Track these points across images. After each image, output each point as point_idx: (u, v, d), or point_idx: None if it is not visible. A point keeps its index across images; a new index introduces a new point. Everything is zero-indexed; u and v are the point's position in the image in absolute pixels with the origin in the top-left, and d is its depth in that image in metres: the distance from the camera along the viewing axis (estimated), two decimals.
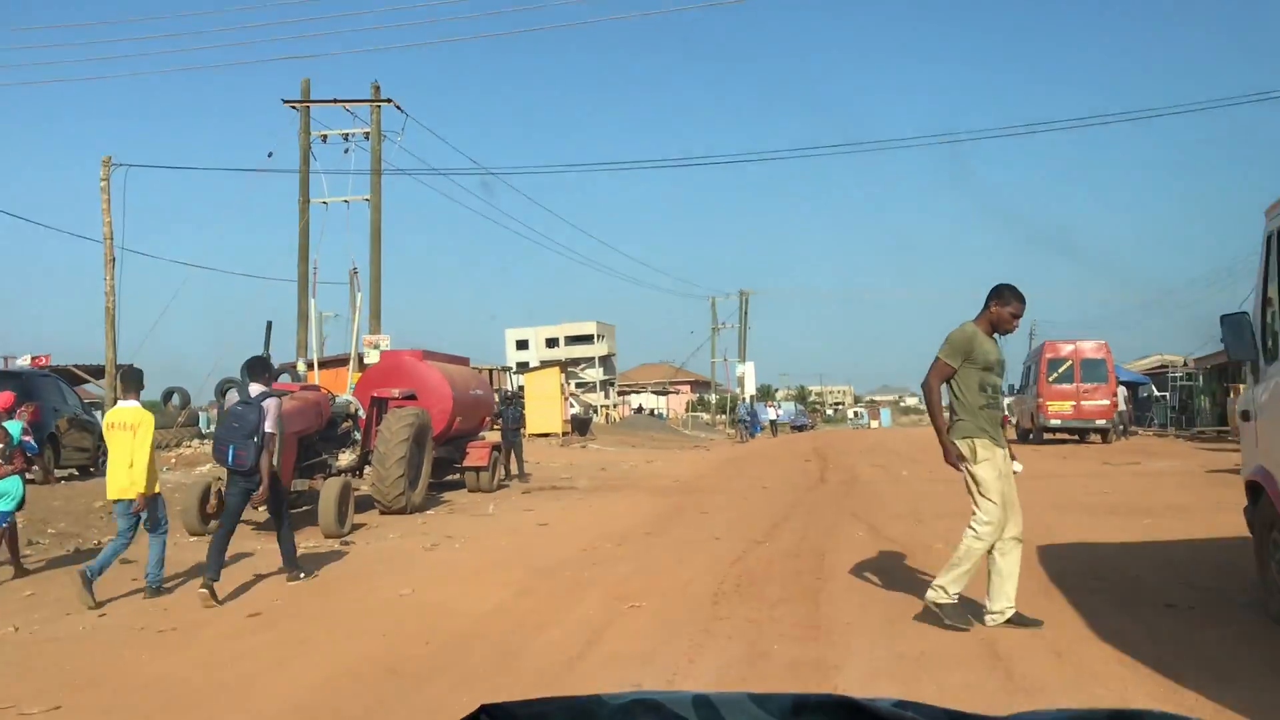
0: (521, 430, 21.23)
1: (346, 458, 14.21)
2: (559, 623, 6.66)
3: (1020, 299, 6.43)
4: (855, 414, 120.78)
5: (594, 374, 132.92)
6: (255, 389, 8.49)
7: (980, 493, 6.43)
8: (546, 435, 37.28)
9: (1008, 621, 6.23)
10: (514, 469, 20.34)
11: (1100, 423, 28.53)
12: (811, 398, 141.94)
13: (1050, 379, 28.65)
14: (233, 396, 9.04)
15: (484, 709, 0.91)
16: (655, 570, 8.52)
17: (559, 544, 10.48)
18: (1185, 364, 45.40)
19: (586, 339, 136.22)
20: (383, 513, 14.27)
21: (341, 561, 9.81)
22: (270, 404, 8.31)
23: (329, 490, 12.07)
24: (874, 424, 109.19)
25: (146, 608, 7.85)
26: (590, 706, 0.90)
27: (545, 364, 41.98)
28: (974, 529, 6.40)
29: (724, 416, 75.03)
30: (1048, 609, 6.61)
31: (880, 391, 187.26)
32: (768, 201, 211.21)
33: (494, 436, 20.27)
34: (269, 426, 8.24)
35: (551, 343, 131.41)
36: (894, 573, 8.14)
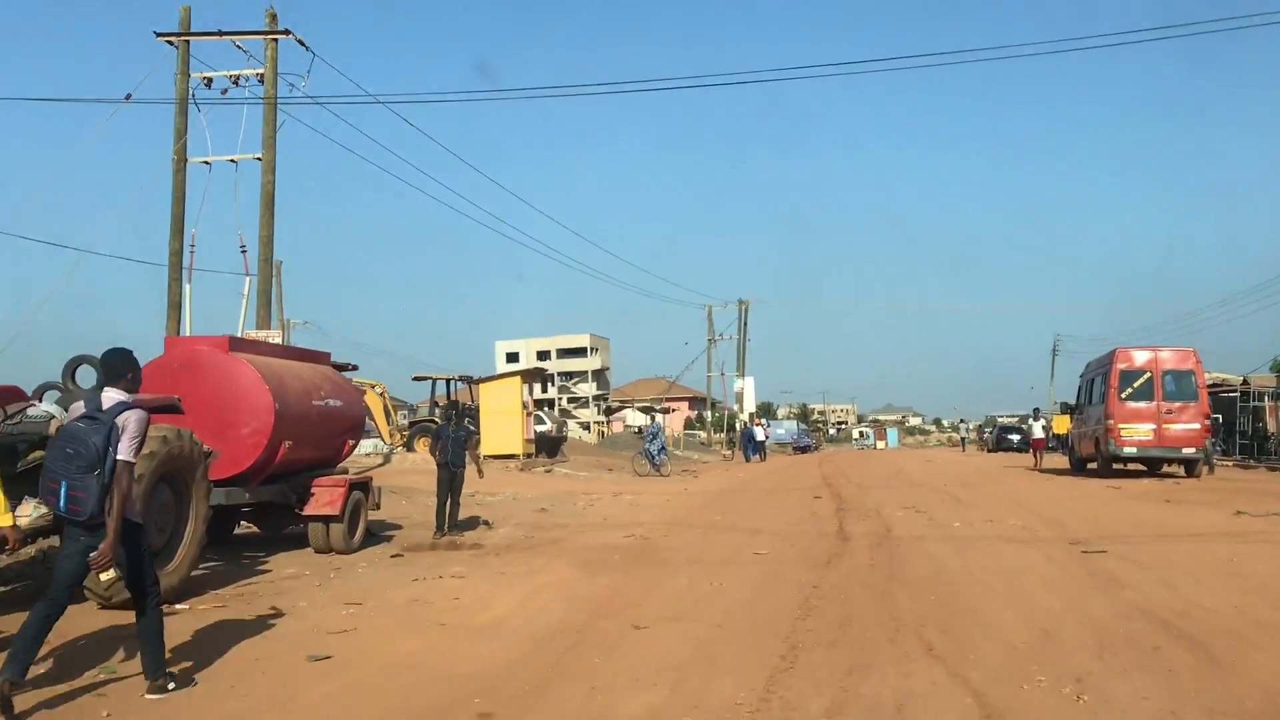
0: (472, 457, 14.73)
1: (26, 515, 8.17)
2: None
3: None
4: (860, 434, 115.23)
5: (587, 388, 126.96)
6: (111, 397, 5.74)
7: None
8: (507, 457, 31.23)
9: None
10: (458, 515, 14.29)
11: (1188, 451, 22.47)
12: (814, 416, 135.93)
13: (1123, 395, 22.62)
14: (78, 409, 5.82)
15: None
16: None
17: None
18: (1245, 382, 39.28)
19: (580, 352, 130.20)
20: (102, 607, 8.25)
21: None
22: (131, 419, 5.60)
23: None
24: (880, 444, 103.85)
25: None
26: None
27: (507, 374, 35.80)
28: None
29: (721, 436, 68.99)
30: None
31: (885, 411, 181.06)
32: (772, 207, 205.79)
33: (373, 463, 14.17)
34: (125, 452, 5.53)
35: (543, 355, 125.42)
36: None
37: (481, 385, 32.40)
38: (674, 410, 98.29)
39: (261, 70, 21.71)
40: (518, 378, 32.66)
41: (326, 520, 11.85)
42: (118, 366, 5.88)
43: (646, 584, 9.16)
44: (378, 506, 13.27)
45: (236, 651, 6.72)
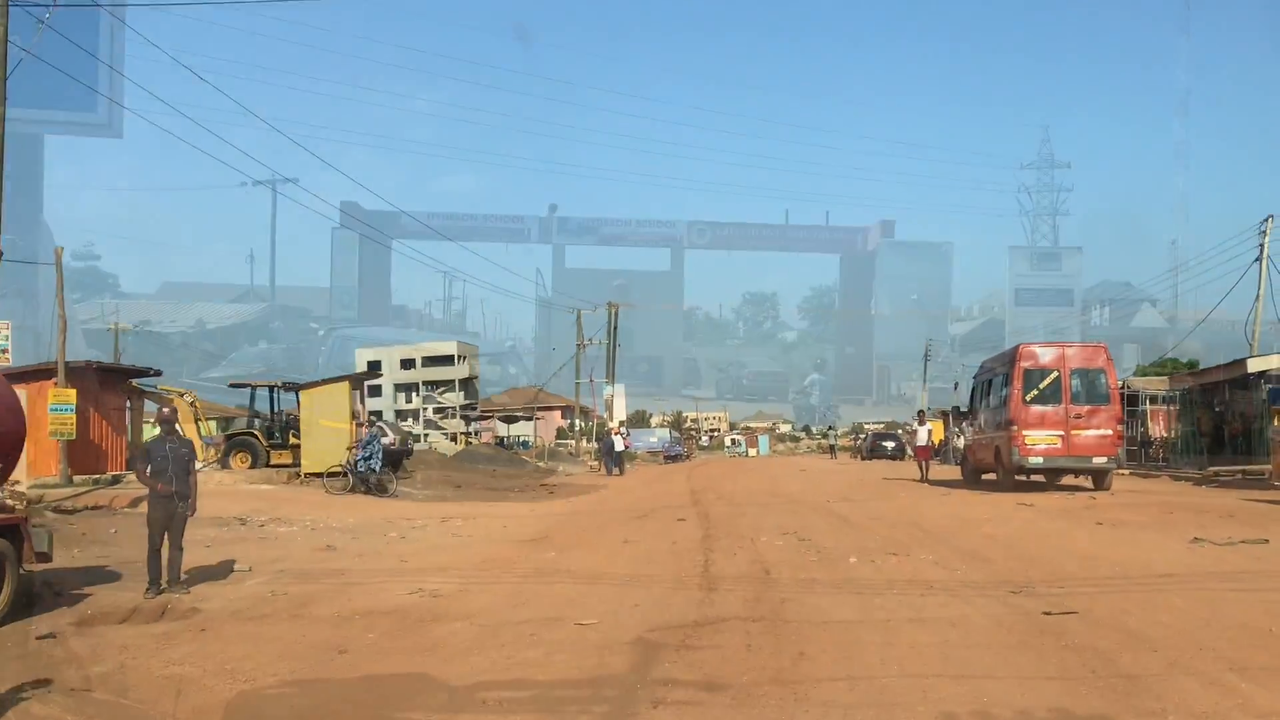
0: (193, 484, 10.51)
1: None
2: None
3: None
4: (732, 441, 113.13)
5: (454, 397, 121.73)
6: None
7: None
8: (334, 475, 26.86)
9: None
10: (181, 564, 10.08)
11: (1099, 461, 19.82)
12: (688, 424, 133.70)
13: (1027, 398, 19.86)
14: None
15: None
16: None
17: None
18: (1124, 385, 37.56)
19: (446, 360, 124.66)
20: None
21: None
22: None
23: None
24: (752, 452, 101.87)
25: None
26: None
27: (333, 379, 31.33)
28: None
29: (590, 446, 65.46)
30: None
31: (756, 418, 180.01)
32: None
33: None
34: None
35: (408, 364, 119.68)
36: None
37: (303, 392, 28.06)
38: (542, 419, 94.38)
39: None
40: (345, 383, 28.42)
41: None
42: None
43: (372, 714, 5.47)
44: (46, 557, 9.19)
45: None
